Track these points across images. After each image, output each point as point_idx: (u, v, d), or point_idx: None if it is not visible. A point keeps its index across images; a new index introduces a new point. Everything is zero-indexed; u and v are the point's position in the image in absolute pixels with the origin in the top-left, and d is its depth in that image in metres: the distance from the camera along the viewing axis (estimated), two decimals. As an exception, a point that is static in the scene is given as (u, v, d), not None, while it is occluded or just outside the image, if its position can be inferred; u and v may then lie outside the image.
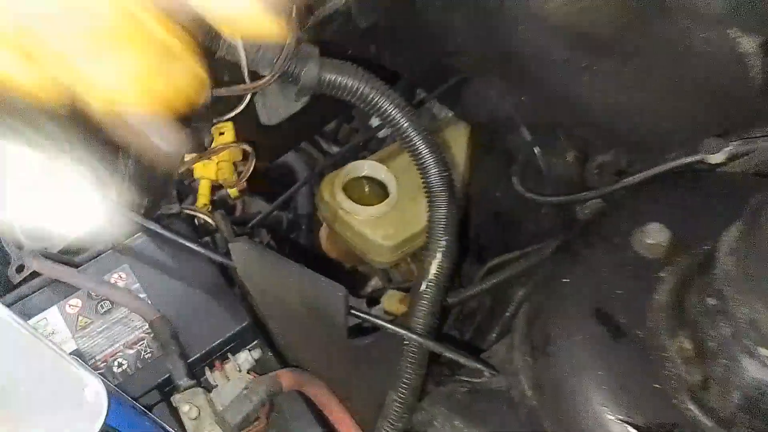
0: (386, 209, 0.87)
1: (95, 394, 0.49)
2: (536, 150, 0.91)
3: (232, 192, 0.91)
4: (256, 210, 1.07)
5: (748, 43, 0.63)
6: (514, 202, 0.94)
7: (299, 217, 1.15)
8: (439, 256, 0.67)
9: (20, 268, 0.83)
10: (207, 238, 0.82)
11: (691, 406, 0.55)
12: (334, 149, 1.17)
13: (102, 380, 0.50)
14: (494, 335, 0.86)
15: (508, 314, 0.86)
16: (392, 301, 0.87)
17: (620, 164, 0.93)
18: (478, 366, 0.66)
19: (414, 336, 0.66)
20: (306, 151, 1.18)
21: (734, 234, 0.52)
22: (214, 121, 0.68)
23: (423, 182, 0.67)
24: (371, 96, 0.66)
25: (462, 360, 0.66)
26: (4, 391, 0.49)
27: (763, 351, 0.49)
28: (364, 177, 0.93)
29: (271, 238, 1.00)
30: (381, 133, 1.08)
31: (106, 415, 0.49)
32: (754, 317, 0.49)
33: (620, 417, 0.55)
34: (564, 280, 0.62)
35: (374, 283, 1.08)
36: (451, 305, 0.82)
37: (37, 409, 0.49)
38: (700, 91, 0.68)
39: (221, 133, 0.81)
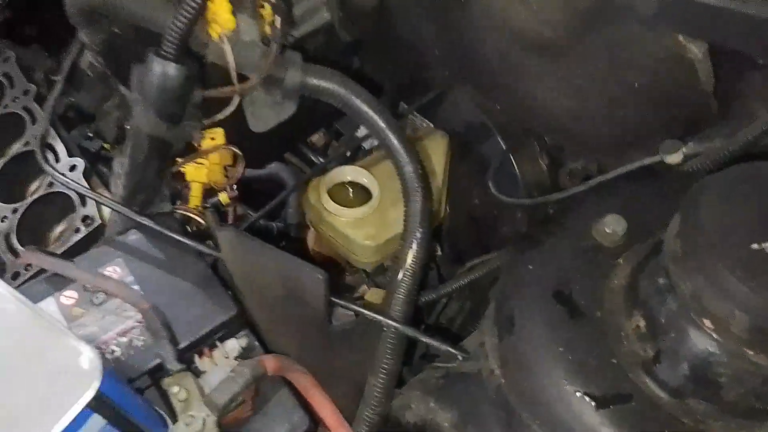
0: (368, 211, 0.92)
1: (90, 361, 0.53)
2: (511, 157, 0.96)
3: (223, 198, 0.95)
4: (247, 219, 1.12)
5: (695, 49, 0.69)
6: (490, 206, 0.99)
7: (288, 226, 1.20)
8: (414, 246, 0.71)
9: (15, 276, 0.87)
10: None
11: (645, 379, 0.59)
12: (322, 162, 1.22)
13: (96, 350, 0.54)
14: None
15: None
16: (374, 297, 0.91)
17: (590, 169, 0.98)
18: (451, 349, 0.70)
19: (391, 322, 0.70)
20: (296, 164, 1.24)
21: (678, 219, 0.57)
22: (204, 122, 0.73)
23: (399, 178, 0.72)
24: (350, 99, 0.71)
25: (436, 344, 0.70)
26: (4, 360, 0.53)
27: (707, 322, 0.53)
28: (349, 182, 0.97)
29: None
30: (366, 144, 1.13)
31: (101, 383, 0.52)
32: (696, 291, 0.54)
33: (579, 389, 0.59)
34: (527, 266, 0.67)
35: (360, 290, 1.12)
36: (429, 302, 0.87)
37: (36, 376, 0.53)
38: (653, 96, 0.74)
39: (212, 139, 0.86)
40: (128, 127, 1.19)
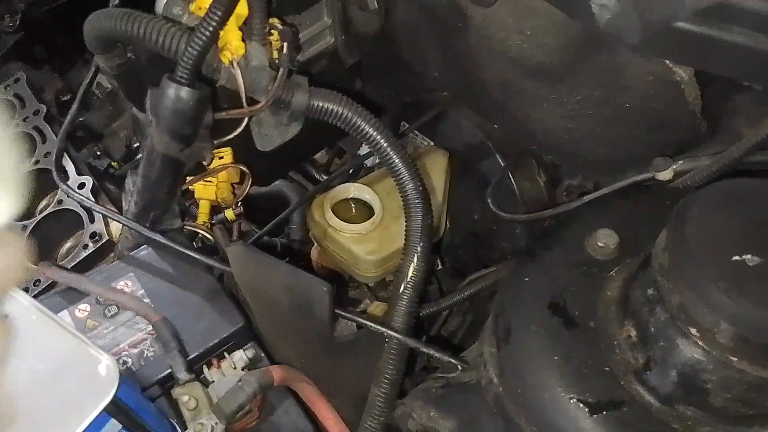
0: (370, 227, 0.95)
1: (107, 369, 0.55)
2: (509, 174, 0.99)
3: (229, 215, 0.99)
4: (252, 234, 1.15)
5: (682, 72, 0.72)
6: (489, 221, 1.02)
7: (292, 242, 1.23)
8: (415, 260, 0.74)
9: (25, 290, 0.90)
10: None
11: (637, 386, 0.62)
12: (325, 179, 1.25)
13: (114, 359, 0.57)
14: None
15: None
16: (377, 311, 0.93)
17: (587, 186, 1.01)
18: (451, 360, 0.72)
19: (393, 333, 0.73)
20: (299, 181, 1.27)
21: (665, 233, 0.60)
22: (215, 142, 0.76)
23: (400, 195, 0.75)
24: (354, 119, 0.75)
25: (437, 354, 0.73)
26: (28, 366, 0.55)
27: (693, 331, 0.56)
28: (351, 198, 1.01)
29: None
30: (369, 162, 1.17)
31: (117, 389, 0.55)
32: (683, 302, 0.56)
33: (573, 396, 0.62)
34: (524, 278, 0.70)
35: (363, 304, 1.15)
36: (430, 314, 0.89)
37: (57, 382, 0.55)
38: (644, 117, 0.77)
39: (221, 158, 0.89)
40: (139, 146, 1.24)
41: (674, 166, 0.77)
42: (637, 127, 0.79)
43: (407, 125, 1.11)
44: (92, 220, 1.06)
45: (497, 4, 0.74)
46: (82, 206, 1.06)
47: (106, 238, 1.04)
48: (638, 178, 0.80)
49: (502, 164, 0.99)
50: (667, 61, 0.71)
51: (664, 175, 0.78)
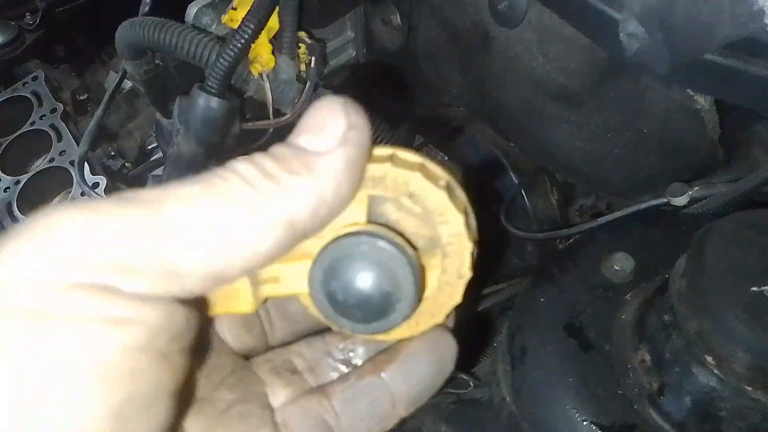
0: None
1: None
2: (522, 192, 1.00)
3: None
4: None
5: (702, 100, 0.73)
6: (501, 239, 1.03)
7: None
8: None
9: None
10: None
11: (650, 410, 0.62)
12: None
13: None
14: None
15: (495, 345, 0.93)
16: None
17: (599, 207, 1.02)
18: (463, 377, 0.73)
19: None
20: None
21: (685, 259, 0.61)
22: (239, 151, 0.77)
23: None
24: (377, 135, 0.76)
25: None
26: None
27: (709, 359, 0.57)
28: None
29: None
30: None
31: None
32: (701, 329, 0.57)
33: (587, 419, 0.62)
34: (540, 299, 0.71)
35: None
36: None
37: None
38: (662, 142, 0.78)
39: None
40: (153, 148, 1.24)
41: (690, 192, 0.78)
42: (654, 152, 0.80)
43: (422, 139, 1.12)
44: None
45: (522, 26, 0.75)
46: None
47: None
48: (654, 202, 0.80)
49: (516, 181, 1.00)
50: (689, 90, 0.72)
51: (680, 201, 0.78)
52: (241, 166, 0.32)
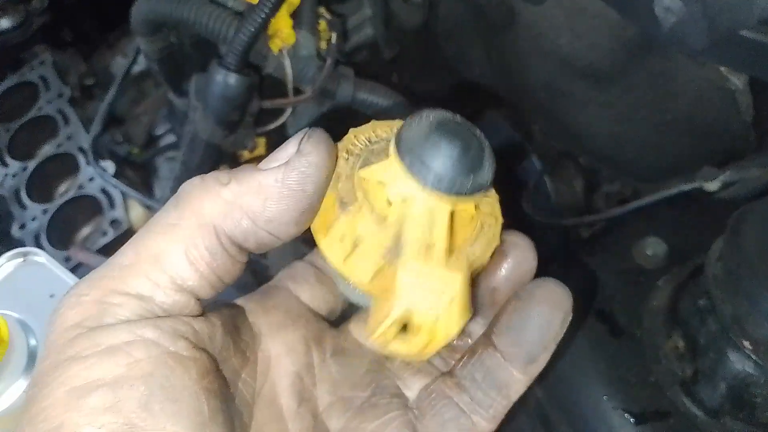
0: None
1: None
2: (545, 177, 0.98)
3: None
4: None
5: (736, 80, 0.71)
6: (522, 225, 1.00)
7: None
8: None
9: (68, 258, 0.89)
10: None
11: (683, 397, 0.60)
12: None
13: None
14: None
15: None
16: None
17: (625, 193, 1.00)
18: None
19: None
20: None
21: (721, 243, 0.59)
22: (258, 131, 0.76)
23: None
24: (394, 113, 0.74)
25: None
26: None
27: (746, 344, 0.55)
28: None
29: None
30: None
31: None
32: (737, 313, 0.55)
33: (618, 405, 0.61)
34: (569, 285, 0.68)
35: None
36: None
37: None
38: (693, 124, 0.76)
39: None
40: (162, 134, 1.22)
41: (722, 177, 0.76)
42: (685, 134, 0.78)
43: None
44: (113, 206, 1.04)
45: (548, 2, 0.72)
46: (104, 192, 1.04)
47: (126, 225, 1.02)
48: (685, 187, 0.78)
49: (539, 167, 0.98)
50: (722, 69, 0.70)
51: (712, 186, 0.76)
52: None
